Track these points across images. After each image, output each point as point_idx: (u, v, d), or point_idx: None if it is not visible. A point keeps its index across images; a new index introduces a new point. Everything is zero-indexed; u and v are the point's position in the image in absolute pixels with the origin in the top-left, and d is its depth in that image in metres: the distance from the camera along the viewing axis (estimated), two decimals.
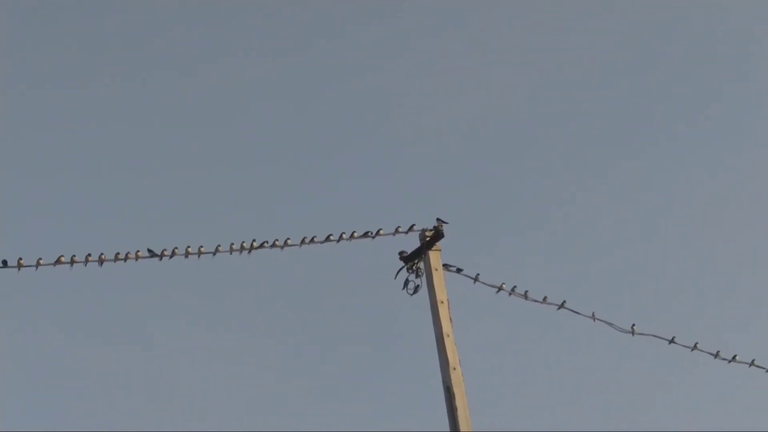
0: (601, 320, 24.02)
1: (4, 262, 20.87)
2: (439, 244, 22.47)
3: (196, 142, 41.26)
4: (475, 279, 22.99)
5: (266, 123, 42.63)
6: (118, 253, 21.69)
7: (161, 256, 21.94)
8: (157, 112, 41.12)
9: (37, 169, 39.12)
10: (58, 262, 21.29)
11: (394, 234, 23.03)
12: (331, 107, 43.15)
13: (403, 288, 22.48)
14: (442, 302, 21.81)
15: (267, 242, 22.56)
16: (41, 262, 21.22)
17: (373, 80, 43.97)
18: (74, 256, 21.41)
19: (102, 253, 21.50)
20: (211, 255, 22.20)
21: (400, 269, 22.60)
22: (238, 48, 42.60)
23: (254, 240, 22.52)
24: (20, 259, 21.03)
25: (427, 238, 22.50)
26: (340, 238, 22.93)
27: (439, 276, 22.15)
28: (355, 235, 23.00)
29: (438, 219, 22.61)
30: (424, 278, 22.29)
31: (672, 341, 24.77)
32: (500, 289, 23.29)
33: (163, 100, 41.62)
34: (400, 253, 22.68)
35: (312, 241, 22.85)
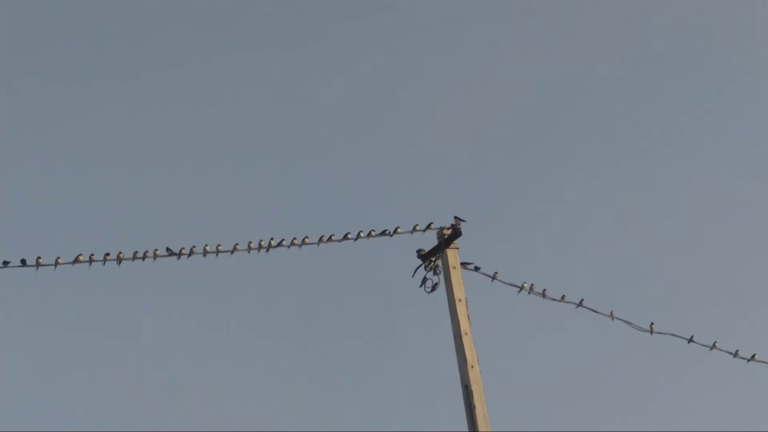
0: (619, 319, 23.98)
1: (23, 261, 20.91)
2: (456, 242, 22.46)
3: (211, 139, 41.31)
4: (493, 277, 22.98)
5: (282, 121, 42.65)
6: (136, 252, 21.72)
7: (179, 254, 21.96)
8: (171, 109, 41.18)
9: (52, 166, 39.16)
10: (76, 260, 21.32)
11: (411, 232, 23.03)
12: (346, 105, 43.18)
13: (421, 286, 22.48)
14: (459, 300, 21.80)
15: (285, 241, 22.58)
16: (60, 261, 21.27)
17: (386, 77, 43.97)
18: (93, 255, 21.45)
19: (120, 252, 21.54)
20: (228, 254, 22.23)
21: (418, 267, 22.59)
22: (250, 44, 42.51)
23: (272, 239, 22.54)
24: (39, 258, 21.08)
25: (445, 236, 22.48)
26: (358, 236, 22.93)
27: (456, 274, 22.13)
28: (373, 233, 23.00)
29: (456, 217, 22.60)
30: (441, 276, 22.28)
31: (691, 340, 24.70)
32: (520, 288, 23.29)
33: (175, 95, 41.64)
34: (418, 251, 22.67)
35: (330, 239, 22.86)
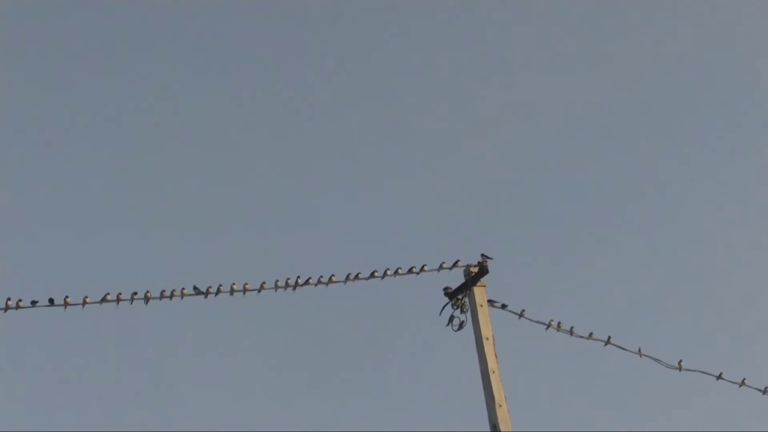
0: (647, 356, 23.87)
1: (51, 301, 20.98)
2: (483, 279, 22.42)
3: (238, 176, 41.30)
4: (520, 315, 22.90)
5: (309, 159, 42.72)
6: (163, 291, 21.75)
7: (206, 293, 21.99)
8: (195, 140, 40.93)
9: (77, 208, 39.04)
10: (104, 300, 21.37)
11: (438, 270, 23.00)
12: (373, 142, 43.25)
13: (448, 324, 22.42)
14: (487, 338, 21.72)
15: (312, 279, 22.59)
16: (87, 300, 21.31)
17: (413, 112, 44.03)
18: (120, 294, 21.48)
19: (148, 291, 21.57)
20: (256, 292, 22.25)
21: (445, 305, 22.55)
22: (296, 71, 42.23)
23: (299, 277, 22.58)
24: (66, 297, 21.14)
25: (472, 274, 22.44)
26: (385, 274, 22.93)
27: (484, 312, 22.08)
28: (400, 271, 22.99)
29: (482, 255, 22.56)
30: (468, 314, 22.22)
31: (720, 377, 24.56)
32: (547, 325, 23.21)
33: (205, 127, 41.31)
34: (445, 289, 22.63)
35: (357, 277, 22.85)
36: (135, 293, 21.52)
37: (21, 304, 20.75)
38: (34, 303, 20.88)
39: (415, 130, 43.51)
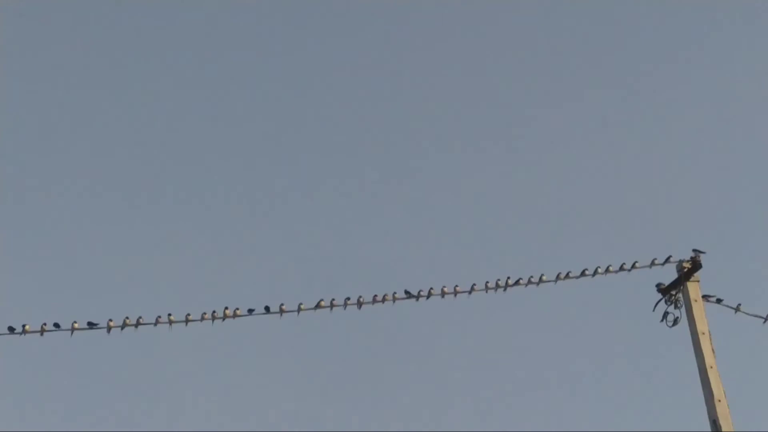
0: None
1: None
2: (697, 274, 22.08)
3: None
4: (736, 309, 22.47)
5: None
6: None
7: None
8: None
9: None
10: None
11: (650, 266, 22.75)
12: (585, 136, 42.87)
13: (662, 320, 22.16)
14: (703, 334, 21.39)
15: (522, 280, 22.61)
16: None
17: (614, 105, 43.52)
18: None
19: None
20: (466, 294, 22.37)
21: (658, 302, 22.29)
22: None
23: (509, 277, 22.63)
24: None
25: (685, 269, 22.12)
26: (596, 272, 22.79)
27: (698, 307, 21.75)
28: (611, 269, 22.83)
29: (694, 250, 22.23)
30: (683, 310, 21.92)
31: None
32: (765, 318, 22.71)
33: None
34: (658, 285, 22.37)
35: (567, 276, 22.78)
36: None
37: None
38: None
39: (624, 125, 42.93)
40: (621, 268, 22.85)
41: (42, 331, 21.08)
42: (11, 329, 20.92)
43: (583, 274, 22.84)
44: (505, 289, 22.71)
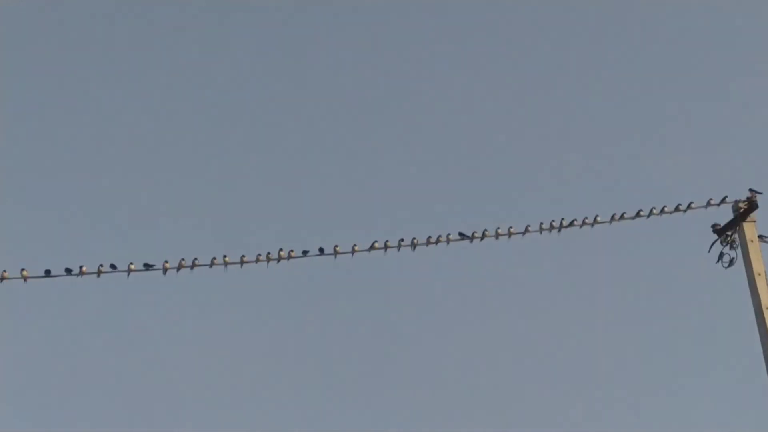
0: None
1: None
2: (753, 215, 21.93)
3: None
4: None
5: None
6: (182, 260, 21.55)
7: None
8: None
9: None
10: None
11: (705, 207, 22.63)
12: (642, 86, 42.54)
13: (718, 261, 22.05)
14: (759, 274, 21.28)
15: (576, 221, 22.54)
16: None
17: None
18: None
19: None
20: (521, 235, 22.34)
21: (714, 242, 22.17)
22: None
23: (563, 219, 22.57)
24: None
25: (741, 210, 21.98)
26: (651, 213, 22.70)
27: (755, 248, 21.62)
28: (667, 209, 22.72)
29: (751, 189, 22.06)
30: (739, 251, 21.80)
31: None
32: None
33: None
34: (713, 226, 22.24)
35: (622, 217, 22.70)
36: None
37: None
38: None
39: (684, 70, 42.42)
40: (676, 209, 22.75)
41: (99, 273, 21.26)
42: (68, 271, 21.11)
43: (638, 215, 22.75)
44: (559, 231, 22.66)
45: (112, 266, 21.30)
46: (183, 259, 21.42)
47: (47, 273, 21.01)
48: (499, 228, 22.36)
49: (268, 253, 21.63)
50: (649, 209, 22.67)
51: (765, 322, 20.73)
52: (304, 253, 21.77)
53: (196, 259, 21.49)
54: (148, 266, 21.46)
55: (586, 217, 22.63)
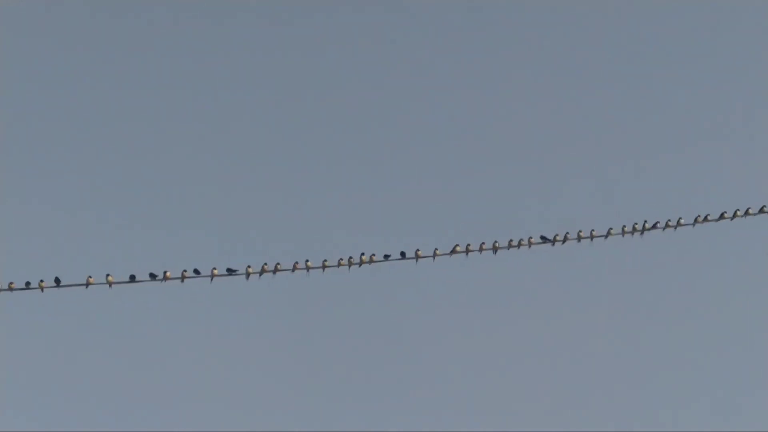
0: None
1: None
2: None
3: None
4: None
5: None
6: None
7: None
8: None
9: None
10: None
11: None
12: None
13: None
14: None
15: (659, 222, 22.45)
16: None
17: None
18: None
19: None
20: (619, 235, 22.25)
21: None
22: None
23: (646, 221, 22.44)
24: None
25: None
26: (735, 215, 22.55)
27: None
28: (750, 211, 22.58)
29: None
30: None
31: None
32: None
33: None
34: None
35: (706, 219, 22.53)
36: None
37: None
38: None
39: None
40: (761, 211, 22.56)
41: (183, 278, 21.47)
42: (152, 276, 21.32)
43: (722, 216, 22.55)
44: (642, 233, 22.52)
45: (196, 271, 21.52)
46: (266, 264, 21.60)
47: (132, 278, 21.29)
48: (581, 231, 22.27)
49: (350, 258, 21.72)
50: (734, 211, 22.49)
51: None
52: (386, 257, 21.83)
53: (278, 264, 21.63)
54: (231, 271, 21.64)
55: (669, 220, 22.48)
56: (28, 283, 21.25)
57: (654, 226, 22.56)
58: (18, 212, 33.64)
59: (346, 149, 38.34)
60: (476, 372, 30.78)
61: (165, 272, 21.28)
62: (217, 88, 39.06)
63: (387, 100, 39.77)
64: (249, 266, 21.51)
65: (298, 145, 38.14)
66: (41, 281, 21.24)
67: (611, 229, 22.38)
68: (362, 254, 21.70)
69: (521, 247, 22.21)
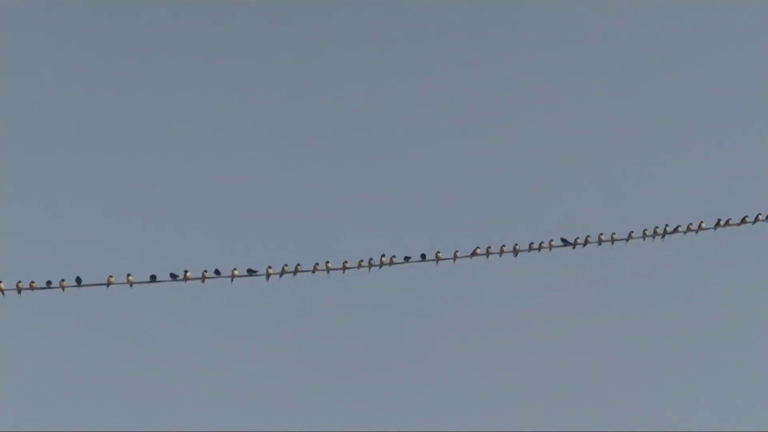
0: None
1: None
2: None
3: None
4: None
5: None
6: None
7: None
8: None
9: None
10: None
11: None
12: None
13: None
14: None
15: (680, 227, 22.41)
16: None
17: None
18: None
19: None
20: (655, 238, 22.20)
21: None
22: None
23: (667, 225, 22.40)
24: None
25: None
26: (756, 219, 22.53)
27: None
28: None
29: None
30: None
31: None
32: None
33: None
34: None
35: (727, 223, 22.48)
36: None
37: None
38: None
39: None
40: None
41: (203, 278, 21.51)
42: (173, 276, 21.38)
43: (743, 221, 22.50)
44: (663, 237, 22.47)
45: (216, 272, 21.56)
46: (286, 265, 21.62)
47: (152, 278, 21.35)
48: (602, 234, 22.23)
49: (371, 259, 21.74)
50: (755, 215, 22.45)
51: None
52: (406, 259, 21.84)
53: (298, 265, 21.65)
54: (251, 272, 21.67)
55: (691, 224, 22.42)
56: (49, 283, 21.36)
57: (675, 230, 22.50)
58: (36, 212, 33.89)
59: (363, 151, 38.35)
60: (495, 374, 30.75)
61: (185, 272, 21.33)
62: (230, 89, 39.13)
63: (402, 100, 39.74)
64: (269, 267, 21.55)
65: (316, 146, 38.18)
66: (62, 281, 21.35)
67: (632, 232, 22.34)
68: (383, 256, 21.73)
69: (542, 250, 22.18)
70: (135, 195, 35.21)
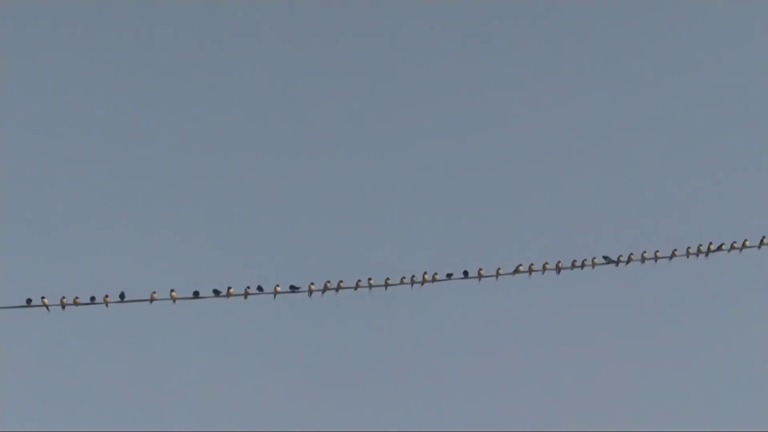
0: None
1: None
2: None
3: None
4: None
5: None
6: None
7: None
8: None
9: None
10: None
11: None
12: None
13: None
14: None
15: (724, 244, 22.30)
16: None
17: None
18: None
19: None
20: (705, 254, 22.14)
21: None
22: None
23: (711, 242, 22.32)
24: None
25: None
26: None
27: None
28: None
29: None
30: None
31: None
32: None
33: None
34: None
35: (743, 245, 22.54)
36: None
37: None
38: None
39: None
40: None
41: (246, 295, 21.57)
42: (216, 292, 21.45)
43: (762, 243, 22.48)
44: (707, 255, 22.37)
45: (259, 288, 21.63)
46: (328, 282, 21.65)
47: (195, 295, 21.44)
48: (645, 252, 22.16)
49: (413, 276, 21.75)
50: None
51: None
52: (448, 276, 21.85)
53: (341, 281, 21.69)
54: (294, 288, 21.73)
55: (735, 242, 22.34)
56: (92, 298, 21.47)
57: (719, 248, 22.40)
58: (80, 228, 34.10)
59: (400, 169, 38.41)
60: (505, 382, 30.73)
61: (229, 288, 21.41)
62: (242, 89, 39.22)
63: (412, 106, 39.73)
64: (312, 283, 21.60)
65: (354, 166, 38.28)
66: (106, 296, 21.47)
67: (676, 250, 22.24)
68: (425, 273, 21.74)
69: (584, 268, 22.13)
70: (178, 212, 35.46)
